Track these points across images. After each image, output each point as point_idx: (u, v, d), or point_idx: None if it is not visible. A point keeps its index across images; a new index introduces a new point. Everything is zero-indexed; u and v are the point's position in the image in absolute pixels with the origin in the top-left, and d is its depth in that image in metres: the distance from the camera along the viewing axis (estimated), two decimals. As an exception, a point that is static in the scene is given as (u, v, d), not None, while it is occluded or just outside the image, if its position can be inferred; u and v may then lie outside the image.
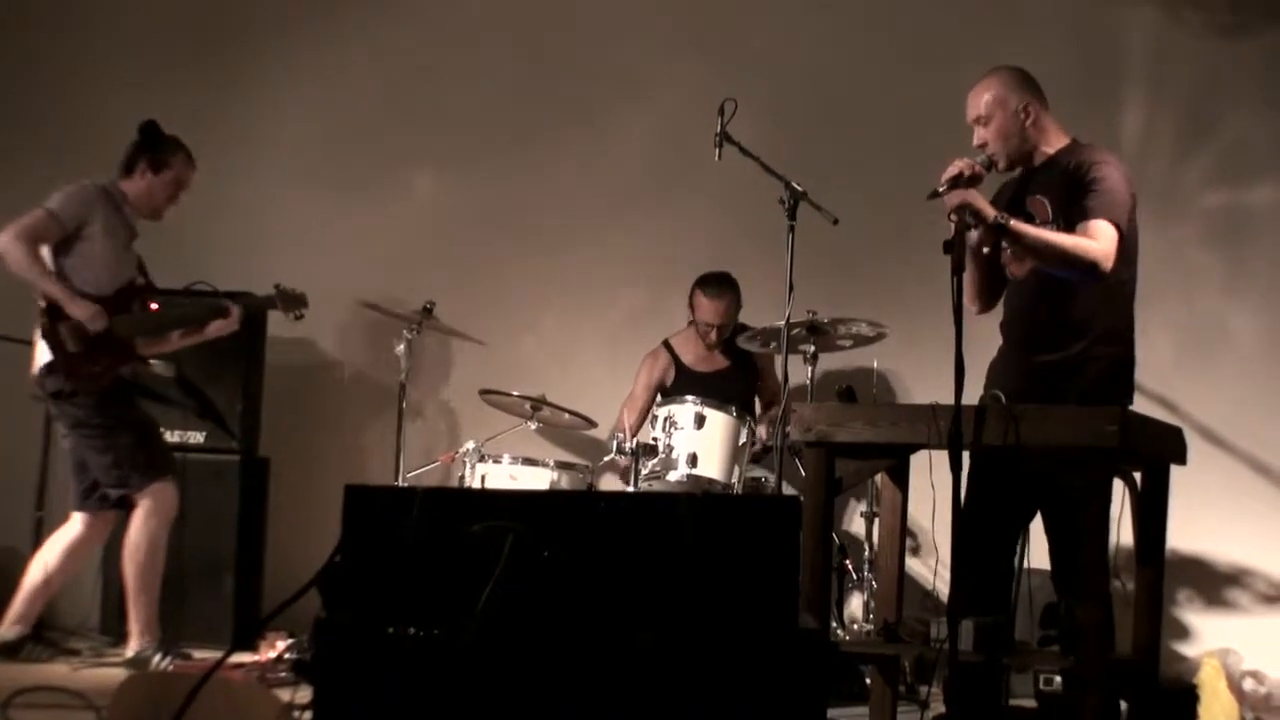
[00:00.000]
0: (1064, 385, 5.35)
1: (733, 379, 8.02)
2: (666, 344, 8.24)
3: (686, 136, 7.32)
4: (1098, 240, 5.31)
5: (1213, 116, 8.09)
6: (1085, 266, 5.33)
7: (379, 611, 3.79)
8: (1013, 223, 5.27)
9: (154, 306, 7.13)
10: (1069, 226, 5.39)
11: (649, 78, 8.72)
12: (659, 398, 7.74)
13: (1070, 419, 4.84)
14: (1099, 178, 5.43)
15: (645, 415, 7.95)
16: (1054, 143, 5.63)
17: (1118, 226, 5.36)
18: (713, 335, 7.95)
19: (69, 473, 7.18)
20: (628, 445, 7.04)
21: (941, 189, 5.24)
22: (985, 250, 5.54)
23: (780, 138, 7.40)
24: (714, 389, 7.68)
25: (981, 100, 5.55)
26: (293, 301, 7.40)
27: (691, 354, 8.16)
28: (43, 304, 6.88)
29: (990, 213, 5.23)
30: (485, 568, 3.72)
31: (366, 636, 3.78)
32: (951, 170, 5.26)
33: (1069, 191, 5.44)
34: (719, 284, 7.91)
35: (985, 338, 5.64)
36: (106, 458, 6.94)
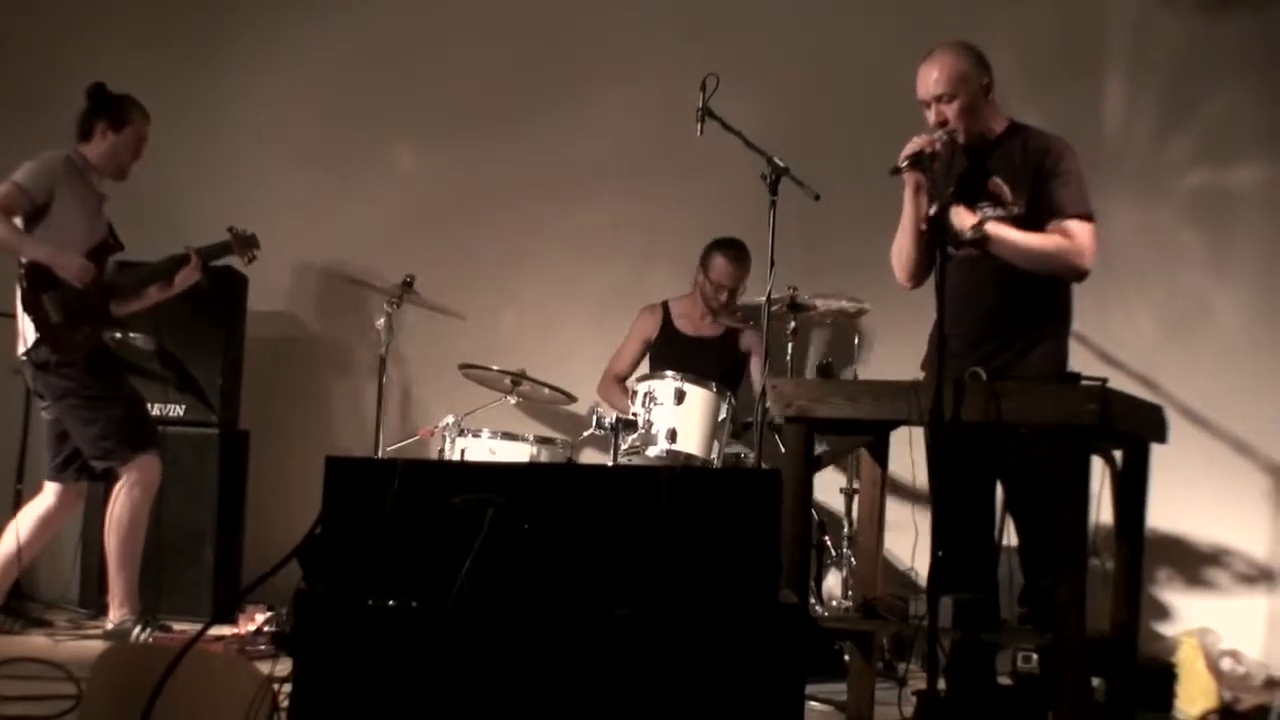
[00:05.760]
0: (1016, 365, 5.42)
1: (720, 350, 8.02)
2: (665, 304, 8.25)
3: (669, 112, 7.31)
4: (1077, 239, 5.42)
5: (1196, 95, 8.07)
6: (1069, 269, 5.49)
7: (359, 583, 3.77)
8: (991, 228, 5.33)
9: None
10: (1031, 211, 5.46)
11: (631, 53, 8.71)
12: (635, 375, 7.74)
13: (1051, 396, 4.85)
14: (1066, 170, 5.50)
15: (634, 366, 8.04)
16: (999, 122, 5.67)
17: (1091, 218, 5.46)
18: (723, 296, 7.92)
19: (46, 443, 7.17)
20: (608, 420, 7.03)
21: (902, 164, 5.32)
22: (923, 227, 5.54)
23: (762, 114, 7.36)
24: (699, 355, 7.78)
25: (944, 77, 5.53)
26: (246, 243, 7.39)
27: (686, 319, 8.17)
28: (22, 278, 6.87)
29: (968, 230, 5.31)
30: (465, 540, 3.70)
31: (346, 608, 3.76)
32: (911, 147, 5.33)
33: (1031, 177, 5.50)
34: (738, 248, 7.91)
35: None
36: (93, 429, 6.93)
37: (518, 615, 3.73)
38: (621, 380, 8.09)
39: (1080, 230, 5.41)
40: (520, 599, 3.74)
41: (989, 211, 5.49)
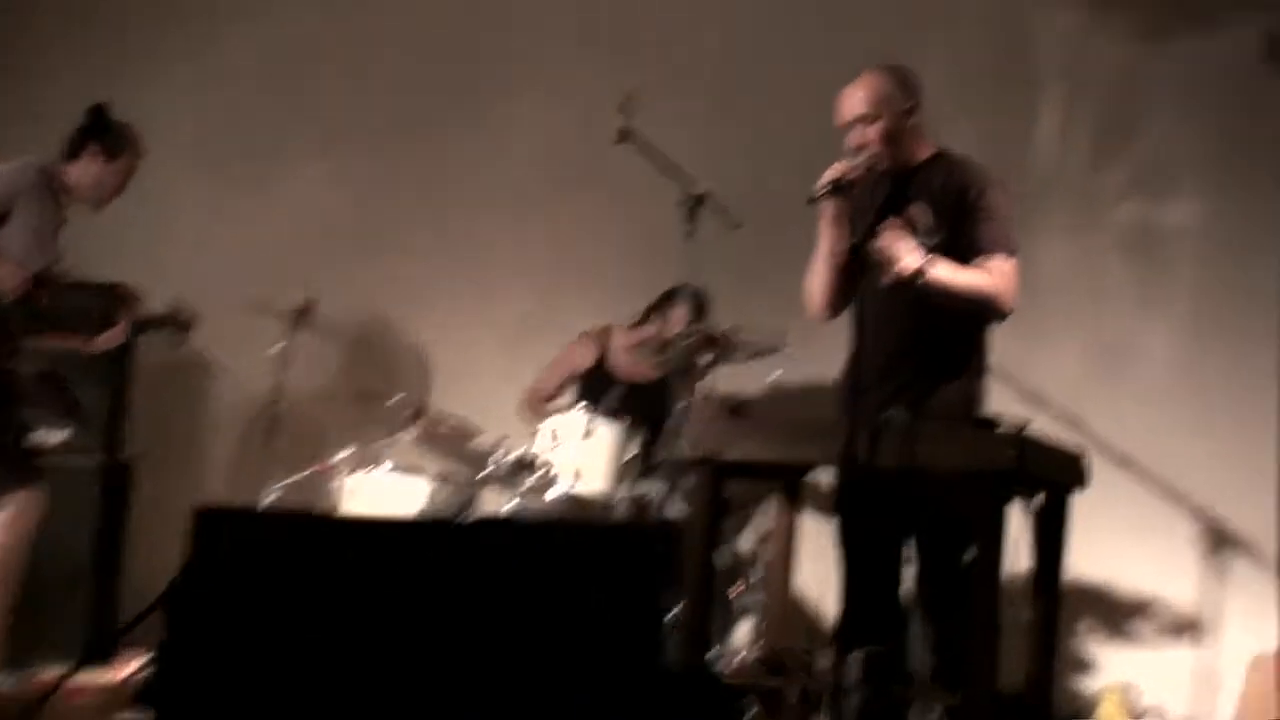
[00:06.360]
0: (926, 400, 5.21)
1: (655, 395, 7.65)
2: (608, 333, 7.98)
3: (583, 132, 7.17)
4: (999, 279, 5.26)
5: (1131, 124, 7.98)
6: (994, 311, 5.32)
7: (224, 637, 3.61)
8: (932, 274, 5.13)
9: None
10: (951, 243, 5.27)
11: (544, 67, 8.57)
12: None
13: (968, 441, 4.75)
14: (990, 204, 5.33)
15: (560, 392, 7.90)
16: (924, 148, 5.51)
17: (1013, 254, 5.30)
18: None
19: None
20: (507, 461, 6.86)
21: (820, 192, 5.15)
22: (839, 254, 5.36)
23: (683, 136, 7.16)
24: (633, 398, 7.55)
25: (867, 97, 5.39)
26: (183, 326, 7.22)
27: (626, 359, 7.87)
28: None
29: (911, 267, 5.10)
30: (335, 598, 3.55)
31: (209, 663, 3.59)
32: (830, 174, 5.18)
33: (953, 209, 5.33)
34: (701, 299, 7.54)
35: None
36: None
37: (394, 675, 3.51)
38: (546, 401, 7.81)
39: (1004, 269, 5.26)
40: (396, 660, 3.52)
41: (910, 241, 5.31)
